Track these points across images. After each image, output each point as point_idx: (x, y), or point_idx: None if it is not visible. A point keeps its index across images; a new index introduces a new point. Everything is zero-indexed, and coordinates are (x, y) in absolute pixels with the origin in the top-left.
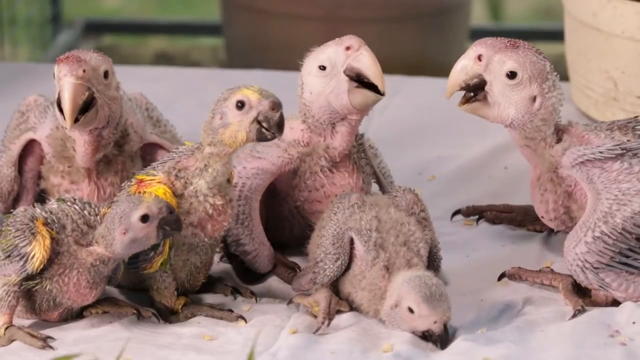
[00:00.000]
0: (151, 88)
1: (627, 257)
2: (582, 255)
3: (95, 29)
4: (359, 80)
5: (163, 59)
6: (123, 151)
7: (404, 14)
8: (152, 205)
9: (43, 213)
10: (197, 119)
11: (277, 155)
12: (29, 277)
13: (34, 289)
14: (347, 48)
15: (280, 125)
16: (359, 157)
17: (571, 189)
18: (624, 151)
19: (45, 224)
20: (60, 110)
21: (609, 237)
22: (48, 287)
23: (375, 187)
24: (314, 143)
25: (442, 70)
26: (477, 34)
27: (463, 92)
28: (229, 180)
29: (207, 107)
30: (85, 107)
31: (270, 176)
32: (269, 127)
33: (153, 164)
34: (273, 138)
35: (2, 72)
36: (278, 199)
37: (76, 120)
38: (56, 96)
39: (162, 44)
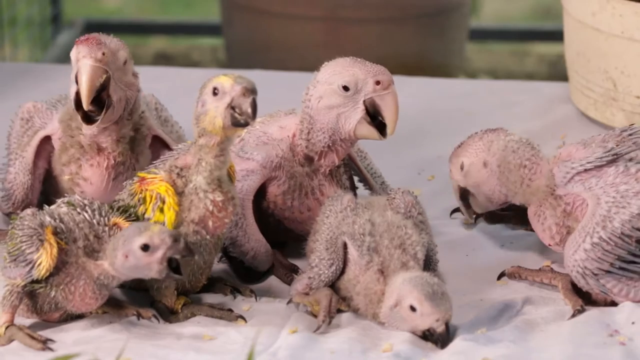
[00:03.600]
0: (151, 88)
1: (628, 262)
2: (582, 262)
3: (95, 29)
4: (370, 114)
5: (163, 59)
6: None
7: (403, 14)
8: (155, 235)
9: (52, 221)
10: None
11: (268, 157)
12: (35, 281)
13: (38, 292)
14: (377, 82)
15: (252, 111)
16: (341, 173)
17: (570, 207)
18: (616, 156)
19: (55, 233)
20: (76, 95)
21: (608, 243)
22: (53, 293)
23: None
24: (308, 162)
25: (442, 70)
26: (477, 34)
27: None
28: (230, 178)
29: None
30: (101, 104)
31: (261, 177)
32: (241, 113)
33: (155, 162)
34: (246, 124)
35: (2, 72)
36: (261, 196)
37: (93, 121)
38: (72, 76)
39: (162, 44)
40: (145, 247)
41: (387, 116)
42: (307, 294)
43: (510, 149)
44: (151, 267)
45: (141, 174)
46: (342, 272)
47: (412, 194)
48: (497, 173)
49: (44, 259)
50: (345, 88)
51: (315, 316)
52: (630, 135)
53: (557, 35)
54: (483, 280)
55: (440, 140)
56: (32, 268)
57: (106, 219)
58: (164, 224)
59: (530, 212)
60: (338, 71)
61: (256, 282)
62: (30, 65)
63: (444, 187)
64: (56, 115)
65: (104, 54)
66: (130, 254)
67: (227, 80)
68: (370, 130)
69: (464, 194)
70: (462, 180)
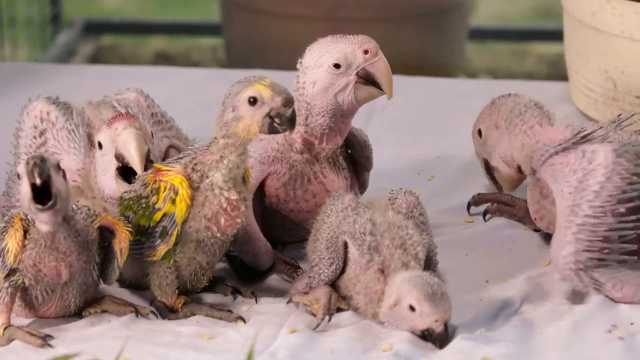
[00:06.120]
0: (151, 88)
1: (613, 241)
2: (571, 256)
3: (94, 29)
4: (365, 80)
5: (163, 59)
6: None
7: (404, 14)
8: (23, 164)
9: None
10: (197, 119)
11: (264, 152)
12: (14, 273)
13: (25, 286)
14: (366, 52)
15: (292, 121)
16: (337, 154)
17: (545, 190)
18: (581, 139)
19: (23, 219)
20: (120, 166)
21: (585, 226)
22: (26, 282)
23: (374, 187)
24: (308, 148)
25: (442, 70)
26: (477, 34)
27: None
28: (245, 180)
29: (207, 106)
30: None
31: (261, 173)
32: (281, 123)
33: (169, 159)
34: (284, 131)
35: (1, 72)
36: (263, 195)
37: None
38: (113, 153)
39: (162, 44)
40: (18, 175)
41: (383, 81)
42: (306, 292)
43: (517, 112)
44: (25, 197)
45: (157, 165)
46: (343, 271)
47: (414, 194)
48: (506, 135)
49: (10, 244)
50: (337, 66)
51: (315, 315)
52: (617, 125)
53: (557, 35)
54: (482, 280)
55: (440, 140)
56: (3, 257)
57: (89, 220)
58: (173, 216)
59: (530, 185)
60: (324, 51)
61: (256, 282)
62: (30, 65)
63: (444, 187)
64: (73, 150)
65: (139, 127)
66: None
67: (265, 90)
68: (369, 90)
69: (489, 166)
70: (483, 150)
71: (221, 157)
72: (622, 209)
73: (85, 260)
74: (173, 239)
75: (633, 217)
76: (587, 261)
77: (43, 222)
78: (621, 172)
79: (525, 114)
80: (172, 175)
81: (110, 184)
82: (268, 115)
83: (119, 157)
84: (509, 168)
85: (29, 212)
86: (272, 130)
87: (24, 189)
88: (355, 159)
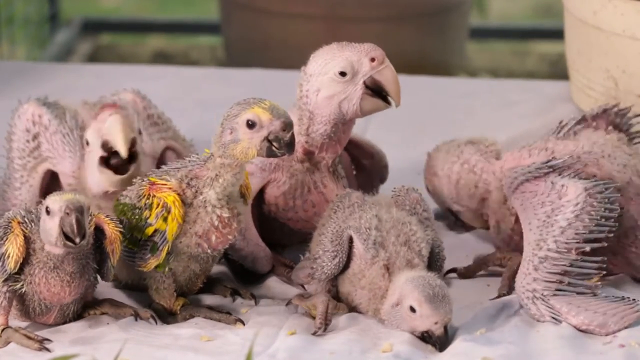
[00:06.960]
0: (150, 87)
1: (575, 275)
2: (528, 285)
3: (93, 28)
4: (372, 89)
5: (162, 58)
6: None
7: (404, 13)
8: (56, 201)
9: (21, 212)
10: (196, 118)
11: (267, 159)
12: (15, 279)
13: (22, 291)
14: (372, 59)
15: (290, 145)
16: (336, 163)
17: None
18: (551, 169)
19: (21, 222)
20: (104, 156)
21: (547, 259)
22: (25, 289)
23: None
24: (308, 157)
25: (442, 69)
26: (478, 33)
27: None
28: (243, 195)
29: (205, 105)
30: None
31: (261, 180)
32: (280, 147)
33: (166, 168)
34: (283, 155)
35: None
36: (262, 201)
37: (121, 173)
38: (99, 144)
39: (161, 43)
40: (47, 210)
41: (391, 89)
42: (305, 297)
43: (453, 153)
44: (51, 232)
45: (152, 178)
46: (347, 266)
47: (416, 191)
48: (446, 178)
49: (11, 250)
50: (342, 74)
51: (314, 318)
52: (569, 129)
53: (558, 34)
54: (483, 281)
55: (441, 140)
56: (3, 262)
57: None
58: (164, 233)
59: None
60: (330, 59)
61: (254, 283)
62: (28, 64)
63: None
64: (69, 154)
65: (127, 116)
66: (42, 216)
67: (263, 114)
68: (375, 102)
69: (452, 212)
70: (437, 201)
71: (217, 175)
72: (587, 248)
73: (87, 279)
74: (163, 254)
75: (597, 258)
76: (543, 290)
77: (59, 247)
78: (591, 213)
79: (463, 153)
80: (166, 192)
81: (94, 180)
82: (266, 138)
83: (105, 144)
84: (462, 207)
85: (51, 245)
86: (270, 154)
87: (53, 228)
88: (368, 170)
